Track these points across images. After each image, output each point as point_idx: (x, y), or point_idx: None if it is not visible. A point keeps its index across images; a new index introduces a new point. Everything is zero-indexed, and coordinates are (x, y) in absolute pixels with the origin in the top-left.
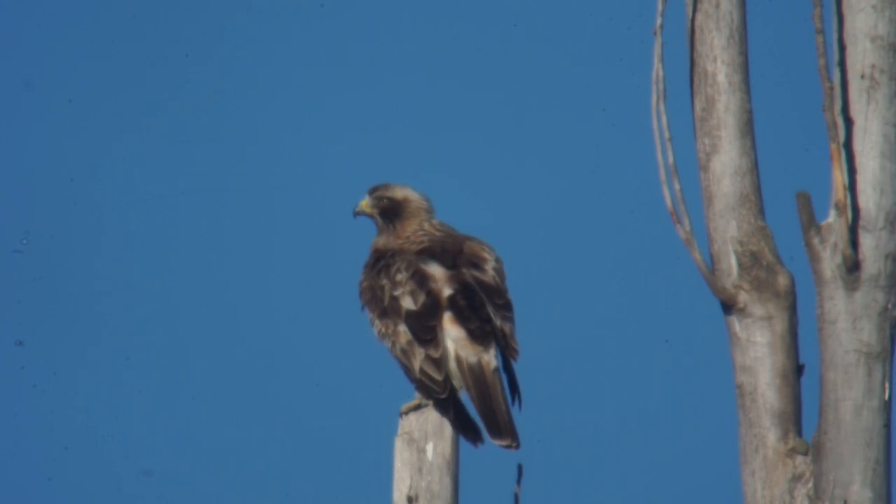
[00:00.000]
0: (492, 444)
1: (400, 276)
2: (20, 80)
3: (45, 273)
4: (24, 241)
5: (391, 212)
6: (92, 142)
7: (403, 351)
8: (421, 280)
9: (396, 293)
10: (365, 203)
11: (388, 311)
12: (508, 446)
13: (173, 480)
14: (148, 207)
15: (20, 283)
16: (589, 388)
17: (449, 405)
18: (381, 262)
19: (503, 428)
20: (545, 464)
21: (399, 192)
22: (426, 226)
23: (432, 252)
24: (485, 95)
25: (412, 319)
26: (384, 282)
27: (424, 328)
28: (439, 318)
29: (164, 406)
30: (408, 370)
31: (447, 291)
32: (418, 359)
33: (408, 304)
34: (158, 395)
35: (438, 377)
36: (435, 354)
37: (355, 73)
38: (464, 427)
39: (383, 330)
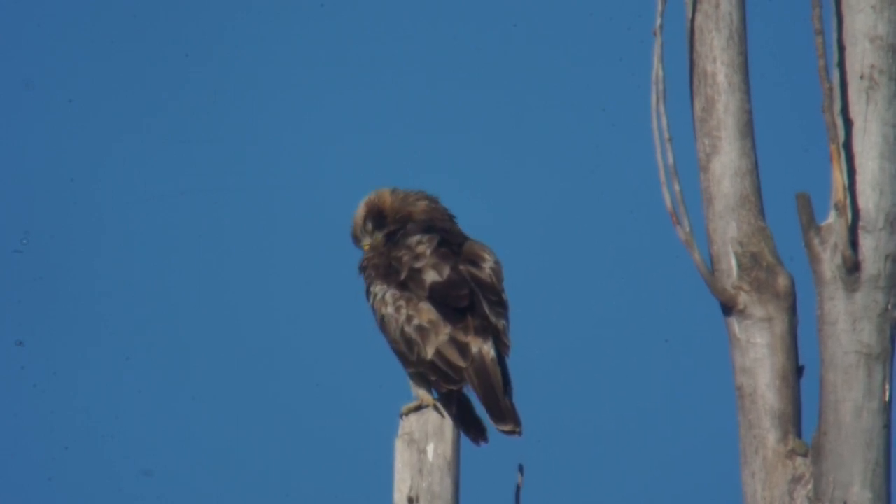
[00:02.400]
0: (491, 443)
1: (422, 248)
2: (20, 80)
3: (45, 273)
4: (24, 241)
5: (380, 220)
6: (92, 142)
7: (419, 328)
8: (444, 255)
9: (418, 265)
10: (365, 244)
11: (407, 284)
12: (512, 431)
13: (173, 480)
14: (148, 207)
15: (20, 283)
16: (589, 388)
17: (453, 400)
18: (396, 234)
19: (506, 413)
20: (545, 464)
21: (362, 210)
22: (409, 200)
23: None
24: (485, 95)
25: (439, 291)
26: (402, 253)
27: (456, 297)
28: (467, 293)
29: (164, 406)
30: (411, 351)
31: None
32: (439, 339)
33: (432, 276)
34: (158, 395)
35: (461, 363)
36: (464, 338)
37: (355, 73)
38: (465, 423)
39: (401, 304)
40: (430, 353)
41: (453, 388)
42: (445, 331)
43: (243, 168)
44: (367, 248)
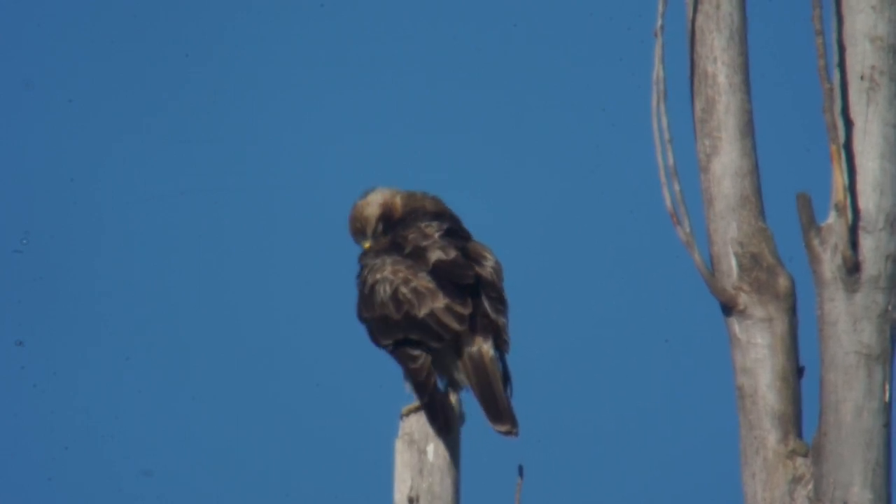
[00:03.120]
0: (491, 444)
1: (430, 230)
2: (20, 80)
3: (45, 273)
4: (24, 241)
5: (390, 223)
6: (92, 142)
7: (416, 291)
8: (452, 241)
9: (424, 244)
10: (366, 244)
11: (410, 257)
12: (509, 432)
13: (173, 480)
14: (148, 207)
15: (20, 283)
16: (589, 389)
17: (427, 390)
18: (401, 222)
19: (504, 413)
20: (545, 464)
21: (371, 209)
22: (417, 196)
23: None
24: (485, 95)
25: (443, 269)
26: (408, 232)
27: (461, 275)
28: (474, 272)
29: (164, 406)
30: (398, 311)
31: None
32: (434, 304)
33: (438, 255)
34: (158, 395)
35: (457, 326)
36: (463, 311)
37: (355, 73)
38: (433, 413)
39: (400, 269)
40: (422, 312)
41: (438, 345)
42: (443, 301)
43: (243, 168)
44: (367, 247)
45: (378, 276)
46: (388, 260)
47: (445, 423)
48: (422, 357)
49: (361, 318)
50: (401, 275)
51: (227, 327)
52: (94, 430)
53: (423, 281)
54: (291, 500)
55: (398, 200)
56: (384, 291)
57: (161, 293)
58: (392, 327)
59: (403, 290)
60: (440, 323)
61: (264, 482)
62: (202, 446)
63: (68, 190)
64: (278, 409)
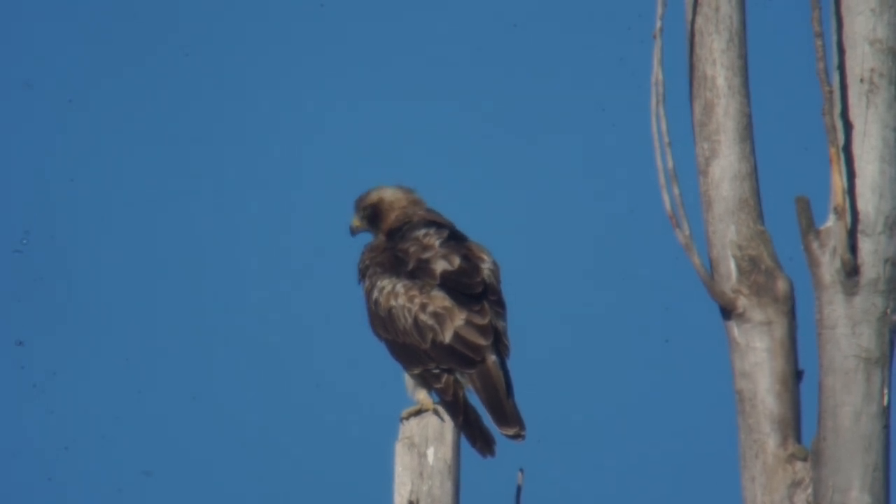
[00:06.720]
0: (488, 453)
1: (430, 240)
2: (20, 80)
3: (45, 273)
4: (24, 241)
5: (375, 216)
6: (92, 142)
7: (435, 314)
8: (453, 247)
9: (426, 256)
10: (355, 220)
11: (416, 274)
12: (517, 435)
13: (173, 480)
14: (147, 207)
15: (20, 283)
16: (588, 392)
17: (460, 409)
18: (398, 232)
19: (510, 416)
20: (545, 468)
21: (374, 196)
22: (408, 212)
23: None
24: (484, 95)
25: (451, 279)
26: (408, 245)
27: (470, 284)
28: (481, 280)
29: (164, 406)
30: (424, 339)
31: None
32: (455, 323)
33: (443, 265)
34: (158, 395)
35: (483, 341)
36: (482, 322)
37: (355, 73)
38: (472, 434)
39: (414, 294)
40: (448, 336)
41: (471, 371)
42: (462, 315)
43: (245, 168)
44: (355, 224)
45: (394, 302)
46: (400, 285)
47: (485, 443)
48: (444, 375)
49: (377, 335)
50: (417, 301)
51: (227, 328)
52: (94, 430)
53: (438, 300)
54: (291, 503)
55: (402, 205)
56: (405, 319)
57: (161, 293)
58: (421, 356)
59: (423, 317)
60: (467, 343)
61: (264, 484)
62: (202, 446)
63: (68, 190)
64: (278, 411)
